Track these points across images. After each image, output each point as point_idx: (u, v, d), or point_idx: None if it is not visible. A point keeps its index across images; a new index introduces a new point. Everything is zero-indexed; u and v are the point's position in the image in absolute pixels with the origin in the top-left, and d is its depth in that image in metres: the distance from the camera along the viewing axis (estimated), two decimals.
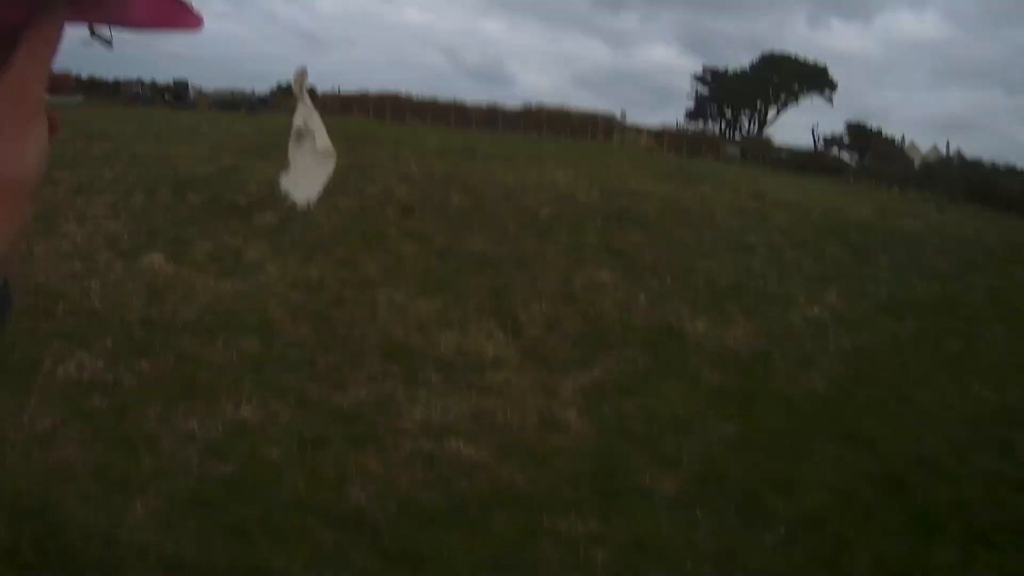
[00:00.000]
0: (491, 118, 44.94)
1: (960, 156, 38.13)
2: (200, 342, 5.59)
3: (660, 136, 44.62)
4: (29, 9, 0.52)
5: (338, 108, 35.00)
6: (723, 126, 59.83)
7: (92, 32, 0.63)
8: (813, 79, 57.29)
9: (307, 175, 3.21)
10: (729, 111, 60.29)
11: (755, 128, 58.85)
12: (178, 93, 37.00)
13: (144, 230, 7.85)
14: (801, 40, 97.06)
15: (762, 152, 42.54)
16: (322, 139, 2.57)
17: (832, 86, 57.58)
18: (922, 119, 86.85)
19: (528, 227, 9.95)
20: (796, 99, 58.60)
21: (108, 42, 0.71)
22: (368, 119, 33.88)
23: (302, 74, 3.05)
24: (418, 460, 4.77)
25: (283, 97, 32.26)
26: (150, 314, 5.91)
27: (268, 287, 6.73)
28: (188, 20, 0.59)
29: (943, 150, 40.13)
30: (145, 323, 5.78)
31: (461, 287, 7.47)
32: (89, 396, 4.73)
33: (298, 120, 3.01)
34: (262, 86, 53.33)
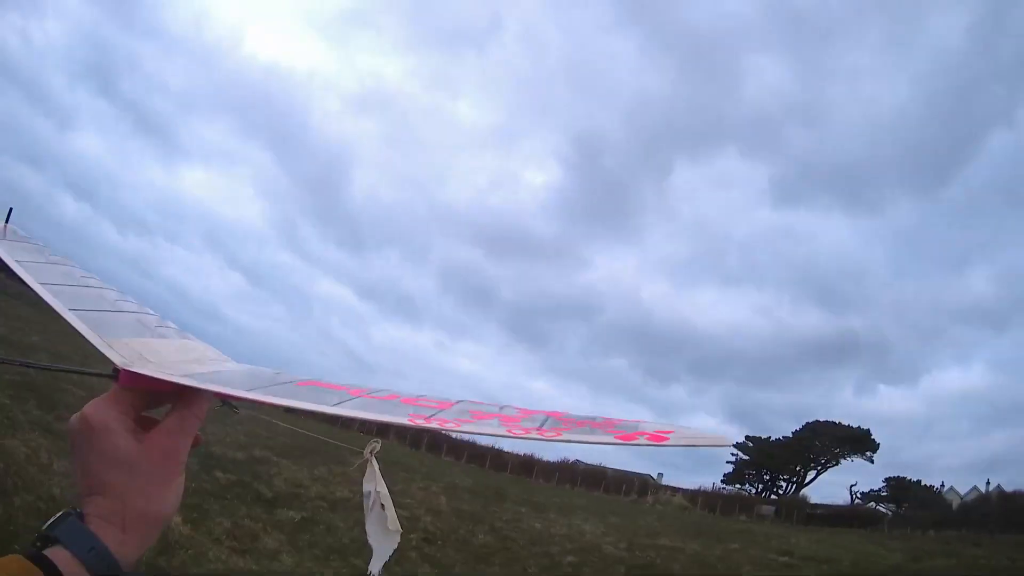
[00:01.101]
0: (527, 466, 44.71)
1: (1000, 491, 36.69)
2: None
3: (695, 496, 43.58)
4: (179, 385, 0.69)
5: (374, 429, 35.46)
6: (760, 488, 57.99)
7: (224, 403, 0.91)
8: (855, 443, 54.84)
9: (375, 543, 3.22)
10: (768, 474, 58.37)
11: (792, 488, 56.65)
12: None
13: None
14: (847, 407, 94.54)
15: (796, 510, 41.08)
16: (391, 516, 2.61)
17: (874, 448, 54.71)
18: (963, 464, 79.60)
19: (549, 571, 9.71)
20: (837, 462, 56.11)
21: (235, 409, 0.99)
22: (404, 446, 34.10)
23: (375, 446, 3.18)
24: None
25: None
26: (158, 563, 5.56)
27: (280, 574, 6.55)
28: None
29: (983, 488, 38.81)
30: (151, 569, 5.40)
31: None
32: None
33: (367, 486, 3.09)
34: None
